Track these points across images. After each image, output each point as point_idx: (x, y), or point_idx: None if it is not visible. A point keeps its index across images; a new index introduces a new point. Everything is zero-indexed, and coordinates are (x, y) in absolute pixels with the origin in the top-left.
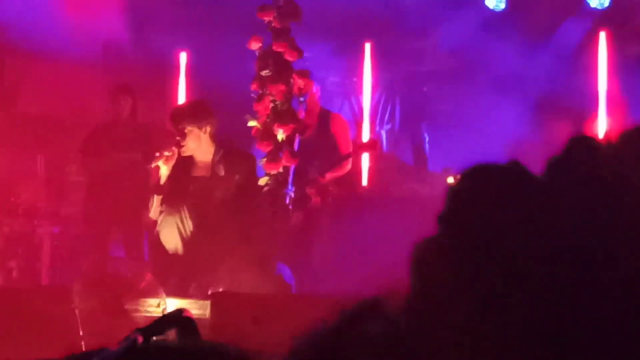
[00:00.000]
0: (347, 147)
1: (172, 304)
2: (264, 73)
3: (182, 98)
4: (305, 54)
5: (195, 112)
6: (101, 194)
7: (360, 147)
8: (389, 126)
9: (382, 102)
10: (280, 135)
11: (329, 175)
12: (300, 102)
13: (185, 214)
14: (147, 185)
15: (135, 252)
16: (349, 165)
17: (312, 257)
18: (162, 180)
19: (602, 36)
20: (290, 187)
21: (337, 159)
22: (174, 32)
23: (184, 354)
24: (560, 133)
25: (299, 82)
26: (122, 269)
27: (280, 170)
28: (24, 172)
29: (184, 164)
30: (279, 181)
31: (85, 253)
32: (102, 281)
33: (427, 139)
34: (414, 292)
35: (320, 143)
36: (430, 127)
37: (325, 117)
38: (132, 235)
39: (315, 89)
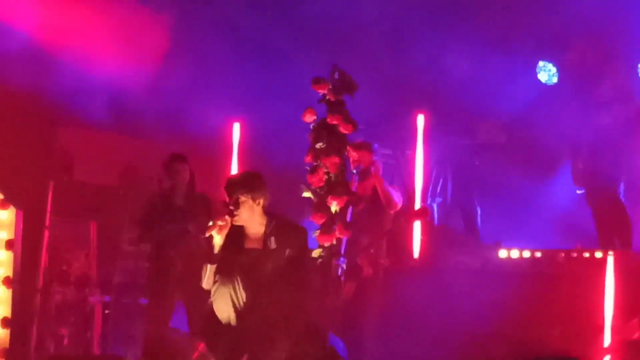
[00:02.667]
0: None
1: None
2: (318, 145)
3: (234, 169)
4: (359, 127)
5: (249, 182)
6: (161, 263)
7: (412, 215)
8: (440, 199)
9: (434, 174)
10: (334, 207)
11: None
12: (354, 174)
13: (239, 284)
14: (197, 255)
15: (196, 322)
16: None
17: (363, 329)
18: (215, 249)
19: None
20: (342, 258)
21: (387, 231)
22: (228, 102)
23: None
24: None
25: (353, 155)
26: (176, 339)
27: (333, 242)
28: (76, 241)
29: (236, 235)
30: (331, 252)
31: (138, 322)
32: (155, 351)
33: (479, 212)
34: None
35: (371, 215)
36: (482, 200)
37: (376, 190)
38: (193, 305)
39: (378, 163)
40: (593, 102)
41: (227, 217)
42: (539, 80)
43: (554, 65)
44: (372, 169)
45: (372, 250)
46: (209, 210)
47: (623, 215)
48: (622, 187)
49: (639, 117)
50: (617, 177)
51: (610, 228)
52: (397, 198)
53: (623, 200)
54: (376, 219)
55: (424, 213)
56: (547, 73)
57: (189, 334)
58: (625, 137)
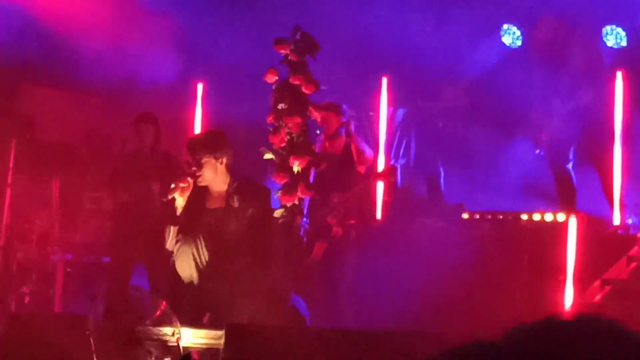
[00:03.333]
0: (361, 154)
1: (186, 334)
2: (280, 106)
3: (198, 129)
4: (322, 87)
5: (211, 142)
6: (126, 222)
7: (377, 175)
8: (404, 161)
9: (397, 136)
10: (296, 167)
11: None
12: (317, 134)
13: (201, 244)
14: (163, 215)
15: (157, 282)
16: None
17: (326, 290)
18: (178, 211)
19: (619, 76)
20: (305, 218)
21: (357, 189)
22: (191, 62)
23: None
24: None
25: (316, 115)
26: (137, 297)
27: (296, 202)
28: (38, 199)
29: (199, 195)
30: (294, 213)
31: (100, 280)
32: (117, 309)
33: (442, 174)
34: None
35: (344, 174)
36: (445, 162)
37: (347, 149)
38: (154, 265)
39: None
40: (557, 67)
41: (189, 178)
42: (503, 43)
43: (518, 28)
44: (345, 129)
45: (341, 210)
46: (173, 170)
47: (569, 180)
48: (571, 153)
49: (605, 83)
50: (570, 141)
51: (564, 192)
52: (369, 153)
53: (572, 165)
54: (346, 177)
55: (390, 173)
56: (511, 36)
57: (151, 293)
58: (587, 101)
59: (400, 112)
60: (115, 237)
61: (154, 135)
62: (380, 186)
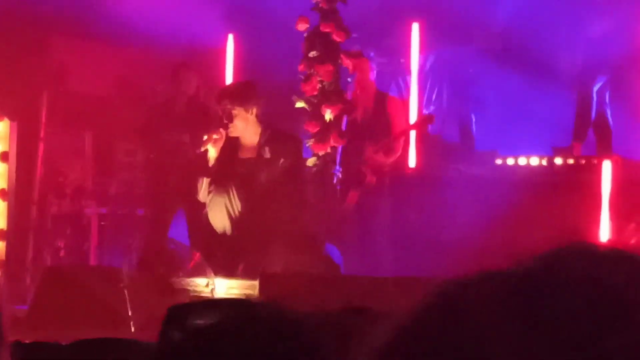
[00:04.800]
0: (400, 128)
1: (220, 284)
2: (311, 54)
3: (229, 80)
4: (353, 35)
5: (242, 93)
6: (162, 173)
7: (413, 125)
8: (435, 107)
9: (429, 83)
10: (328, 115)
11: (380, 157)
12: (349, 82)
13: (234, 194)
14: (195, 166)
15: (196, 232)
16: (399, 148)
17: (364, 237)
18: (211, 162)
19: None
20: (337, 167)
21: (391, 140)
22: (221, 14)
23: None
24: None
25: (347, 63)
26: (171, 249)
27: (328, 150)
28: (71, 152)
29: (231, 146)
30: (326, 161)
31: (134, 233)
32: (150, 261)
33: (473, 120)
34: None
35: (376, 123)
36: (477, 108)
37: (381, 98)
38: (192, 215)
39: (371, 71)
40: (589, 6)
41: (221, 129)
42: None
43: None
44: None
45: (375, 158)
46: (209, 122)
47: (606, 122)
48: (607, 94)
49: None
50: (606, 84)
51: (600, 134)
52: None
53: (608, 106)
54: (378, 125)
55: (424, 122)
56: None
57: (186, 244)
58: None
59: (431, 58)
60: (150, 189)
61: (194, 85)
62: (412, 134)
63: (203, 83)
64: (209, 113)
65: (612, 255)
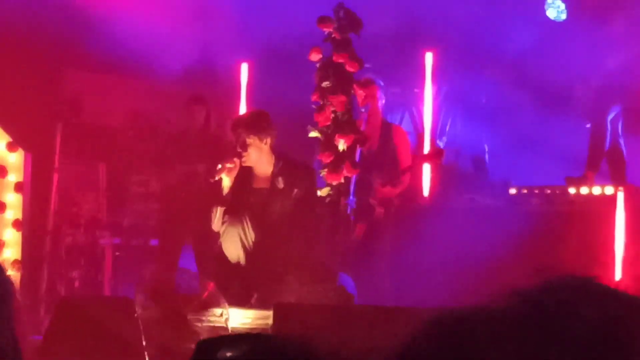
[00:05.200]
0: (407, 160)
1: (234, 314)
2: (324, 84)
3: (243, 109)
4: (366, 65)
5: (256, 122)
6: (174, 205)
7: (425, 157)
8: (445, 139)
9: (442, 113)
10: (342, 145)
11: (388, 190)
12: (362, 112)
13: (248, 224)
14: (210, 196)
15: (205, 264)
16: (407, 180)
17: (374, 268)
18: (225, 191)
19: None
20: (351, 197)
21: (398, 172)
22: (236, 43)
23: None
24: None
25: (360, 93)
26: (184, 279)
27: (342, 180)
28: (85, 183)
29: (244, 175)
30: (340, 192)
31: (148, 263)
32: (165, 291)
33: (487, 150)
34: None
35: (383, 154)
36: (490, 139)
37: (387, 128)
38: (202, 246)
39: (379, 101)
40: (604, 37)
41: (235, 159)
42: (548, 17)
43: (562, 1)
44: (370, 106)
45: (383, 190)
46: (221, 152)
47: (619, 152)
48: (620, 123)
49: None
50: (619, 114)
51: (614, 164)
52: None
53: (621, 137)
54: (386, 157)
55: (437, 155)
56: (555, 9)
57: (199, 274)
58: (631, 74)
59: (445, 87)
60: (162, 220)
61: (205, 117)
62: (426, 166)
63: (214, 114)
64: (221, 144)
65: (602, 291)
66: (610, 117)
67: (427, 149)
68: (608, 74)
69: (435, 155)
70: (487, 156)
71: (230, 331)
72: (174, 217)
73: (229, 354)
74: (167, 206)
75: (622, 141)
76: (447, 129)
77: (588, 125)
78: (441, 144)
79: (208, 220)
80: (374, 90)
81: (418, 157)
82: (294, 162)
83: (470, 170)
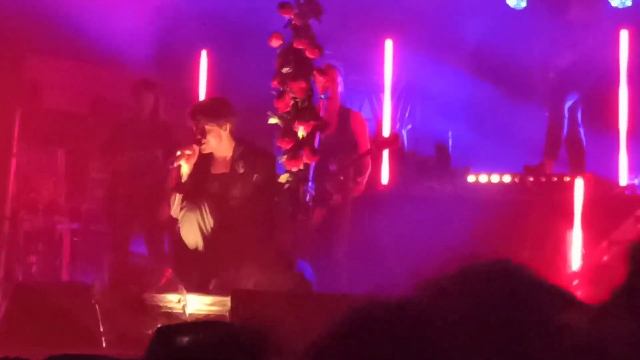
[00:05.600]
0: (365, 146)
1: (192, 301)
2: (284, 70)
3: (202, 96)
4: (326, 52)
5: (215, 109)
6: (122, 191)
7: (382, 143)
8: (410, 125)
9: (402, 100)
10: (301, 132)
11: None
12: (321, 99)
13: (206, 210)
14: (167, 183)
15: (156, 249)
16: (369, 165)
17: (332, 255)
18: (184, 178)
19: (624, 35)
20: (310, 184)
21: (356, 157)
22: (195, 29)
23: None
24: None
25: (320, 80)
26: (142, 265)
27: (301, 167)
28: (44, 168)
29: (204, 161)
30: (299, 178)
31: (106, 249)
32: (122, 277)
33: (450, 136)
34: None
35: (341, 141)
36: (452, 126)
37: (345, 115)
38: (153, 232)
39: (338, 86)
40: (563, 25)
41: (194, 145)
42: (508, 5)
43: None
44: (329, 92)
45: (340, 177)
46: (170, 138)
47: (579, 141)
48: (579, 112)
49: (603, 44)
50: (577, 103)
51: (573, 153)
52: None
53: (581, 125)
54: (344, 143)
55: (394, 141)
56: None
57: (157, 259)
58: (589, 64)
59: (405, 74)
60: (109, 207)
61: (153, 103)
62: (385, 152)
63: (164, 99)
64: (170, 130)
65: (516, 279)
66: (568, 104)
67: (386, 133)
68: (566, 61)
69: (392, 140)
70: (450, 142)
71: (188, 317)
72: (121, 204)
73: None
74: (112, 192)
75: (581, 130)
76: (407, 116)
77: (547, 114)
78: (404, 132)
79: (160, 206)
80: (334, 74)
81: (376, 143)
82: (254, 148)
83: (430, 158)
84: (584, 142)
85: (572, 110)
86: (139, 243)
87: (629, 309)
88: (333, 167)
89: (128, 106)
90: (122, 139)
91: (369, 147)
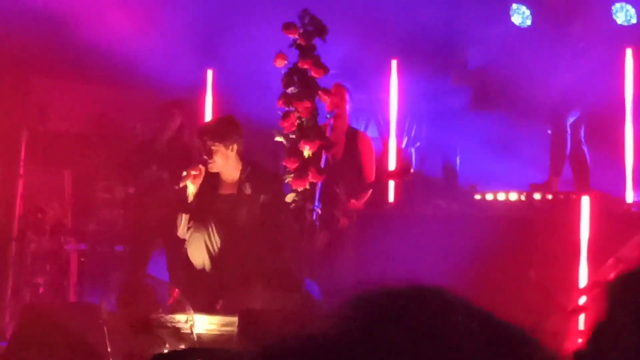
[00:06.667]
0: (371, 170)
1: (199, 321)
2: (289, 90)
3: (209, 116)
4: (331, 71)
5: (222, 129)
6: (137, 211)
7: (391, 174)
8: (418, 144)
9: (409, 119)
10: (307, 152)
11: (352, 204)
12: (327, 117)
13: (213, 230)
14: (175, 203)
15: (176, 270)
16: (370, 193)
17: (338, 275)
18: (190, 198)
19: (629, 53)
20: (317, 203)
21: (362, 186)
22: (201, 49)
23: None
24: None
25: (326, 99)
26: (150, 286)
27: (307, 187)
28: (51, 189)
29: (211, 182)
30: (305, 198)
31: (113, 269)
32: (130, 298)
33: (458, 155)
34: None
35: (348, 163)
36: (461, 144)
37: (353, 135)
38: (174, 252)
39: (347, 104)
40: (567, 43)
41: (201, 166)
42: (513, 23)
43: (528, 7)
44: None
45: (346, 201)
46: (190, 159)
47: (582, 158)
48: (582, 130)
49: (609, 63)
50: (580, 120)
51: (578, 170)
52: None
53: (584, 143)
54: (352, 167)
55: (405, 173)
56: (520, 15)
57: (165, 281)
58: (592, 82)
59: (411, 94)
60: (127, 225)
61: (179, 122)
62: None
63: (188, 122)
64: (192, 152)
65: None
66: (570, 121)
67: (392, 154)
68: (569, 79)
69: (402, 172)
70: (458, 160)
71: (195, 338)
72: (141, 223)
73: None
74: (132, 212)
75: (585, 147)
76: (413, 134)
77: (549, 131)
78: (412, 150)
79: (176, 227)
80: (343, 93)
81: (384, 174)
82: (261, 169)
83: (437, 175)
84: (588, 159)
85: (574, 127)
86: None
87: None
88: (340, 191)
89: (134, 127)
90: (142, 158)
91: (374, 170)
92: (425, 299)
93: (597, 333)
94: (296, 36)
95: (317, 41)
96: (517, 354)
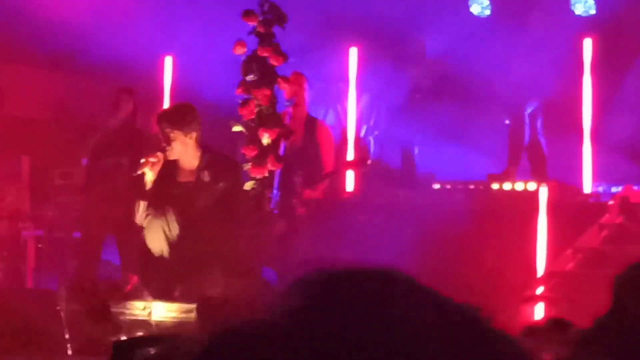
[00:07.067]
0: (329, 159)
1: (158, 308)
2: (248, 78)
3: (167, 102)
4: (291, 59)
5: (180, 117)
6: (96, 197)
7: (349, 164)
8: (376, 133)
9: (368, 108)
10: (266, 139)
11: (308, 193)
12: (287, 105)
13: (171, 217)
14: (133, 190)
15: (129, 256)
16: (327, 183)
17: (295, 262)
18: (148, 185)
19: (587, 43)
20: (275, 191)
21: (320, 175)
22: (160, 36)
23: None
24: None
25: (285, 86)
26: (108, 273)
27: (266, 174)
28: (8, 175)
29: (169, 169)
30: (264, 185)
31: (71, 256)
32: (87, 284)
33: (416, 146)
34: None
35: (306, 151)
36: (419, 133)
37: (312, 124)
38: (125, 239)
39: (306, 92)
40: (525, 34)
41: (159, 153)
42: (472, 13)
43: None
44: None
45: (304, 190)
46: (145, 146)
47: (540, 148)
48: (540, 120)
49: (567, 53)
50: (538, 111)
51: (535, 160)
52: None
53: (541, 134)
54: (309, 155)
55: (362, 162)
56: (479, 5)
57: (122, 267)
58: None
59: (370, 82)
60: (84, 212)
61: (131, 109)
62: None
63: (140, 108)
64: (145, 137)
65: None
66: (528, 112)
67: (350, 144)
68: (527, 69)
69: (360, 163)
70: (416, 150)
71: (153, 325)
72: (96, 210)
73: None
74: (89, 199)
75: (542, 137)
76: (371, 123)
77: (507, 122)
78: (371, 139)
79: (131, 213)
80: (302, 81)
81: (342, 164)
82: (220, 156)
83: (395, 165)
84: (545, 150)
85: (532, 117)
86: (110, 250)
87: (600, 345)
88: (298, 179)
89: (92, 113)
90: (102, 145)
91: (333, 160)
92: (369, 278)
93: (603, 321)
94: (255, 24)
95: (276, 29)
96: (470, 332)
